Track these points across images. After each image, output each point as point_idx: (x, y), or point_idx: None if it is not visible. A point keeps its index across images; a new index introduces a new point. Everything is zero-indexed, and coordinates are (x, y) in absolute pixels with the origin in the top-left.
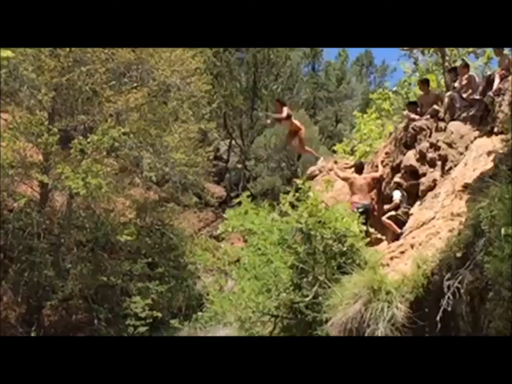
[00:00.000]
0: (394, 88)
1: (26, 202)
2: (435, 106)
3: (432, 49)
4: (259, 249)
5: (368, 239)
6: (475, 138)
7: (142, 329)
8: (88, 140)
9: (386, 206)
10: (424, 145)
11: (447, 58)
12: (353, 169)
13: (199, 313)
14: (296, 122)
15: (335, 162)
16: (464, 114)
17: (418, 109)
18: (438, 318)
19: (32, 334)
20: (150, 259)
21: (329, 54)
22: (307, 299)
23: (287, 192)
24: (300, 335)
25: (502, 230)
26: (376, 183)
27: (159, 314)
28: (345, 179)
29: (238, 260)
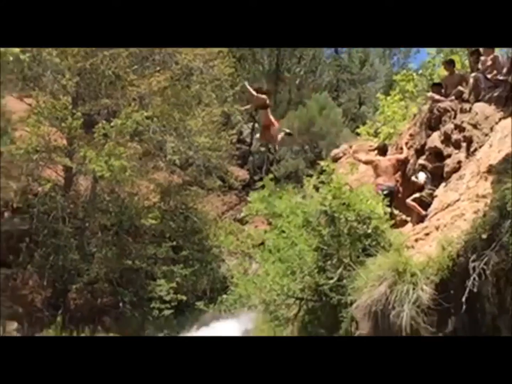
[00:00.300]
0: (419, 71)
1: (51, 186)
2: (459, 87)
3: None
4: (283, 231)
5: (393, 221)
6: (500, 119)
7: (167, 312)
8: (112, 124)
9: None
10: (448, 126)
11: None
12: (376, 151)
13: (224, 296)
14: (271, 116)
15: (350, 147)
16: (489, 95)
17: (443, 91)
18: (463, 299)
19: (58, 318)
20: (174, 243)
21: None
22: (331, 281)
23: (311, 175)
24: (325, 318)
25: None
26: (401, 165)
27: (184, 297)
28: (368, 162)
29: (262, 243)
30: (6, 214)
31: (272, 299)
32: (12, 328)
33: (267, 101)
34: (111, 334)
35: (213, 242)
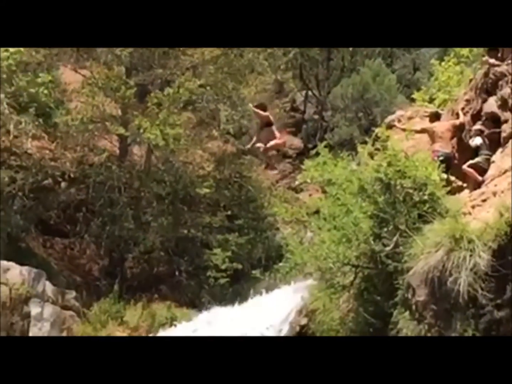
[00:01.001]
0: None
1: (106, 156)
2: None
3: None
4: (338, 199)
5: (449, 187)
6: None
7: (222, 280)
8: (165, 93)
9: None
10: (505, 91)
11: None
12: (428, 119)
13: (279, 264)
14: (276, 132)
15: (399, 121)
16: None
17: (499, 55)
18: None
19: (115, 287)
20: (229, 212)
21: None
22: (387, 248)
23: (365, 142)
24: (381, 285)
25: None
26: (457, 131)
27: (239, 266)
28: (423, 131)
29: (317, 211)
30: (62, 185)
31: (328, 266)
32: (71, 297)
33: (271, 118)
34: (167, 302)
35: (268, 210)
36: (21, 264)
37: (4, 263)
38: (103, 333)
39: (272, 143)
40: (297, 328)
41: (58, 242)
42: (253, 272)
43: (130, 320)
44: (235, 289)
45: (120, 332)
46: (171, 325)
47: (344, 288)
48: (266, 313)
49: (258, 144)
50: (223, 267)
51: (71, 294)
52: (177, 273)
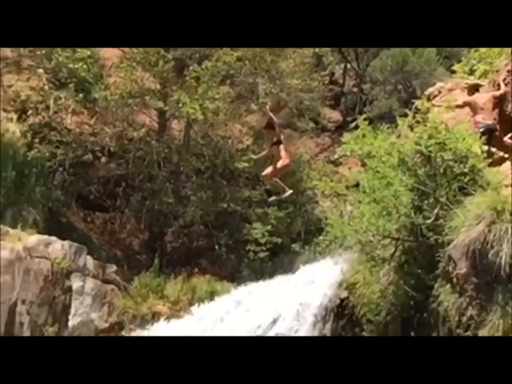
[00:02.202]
0: None
1: (146, 131)
2: None
3: None
4: (378, 172)
5: (491, 159)
6: None
7: (262, 254)
8: (203, 67)
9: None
10: None
11: None
12: (467, 91)
13: (319, 238)
14: (283, 151)
15: (439, 93)
16: None
17: None
18: None
19: (156, 260)
20: (268, 186)
21: None
22: (428, 221)
23: (405, 115)
24: (422, 258)
25: None
26: (498, 102)
27: (279, 240)
28: (464, 104)
29: (356, 184)
30: (102, 160)
31: (368, 239)
32: (112, 271)
33: (282, 136)
34: (207, 276)
35: (307, 184)
36: (62, 238)
37: (46, 237)
38: (144, 307)
39: (268, 170)
40: (337, 301)
41: (99, 216)
42: (293, 245)
43: (170, 293)
44: (275, 263)
45: (160, 305)
46: (211, 299)
47: (384, 261)
48: (306, 287)
49: (264, 173)
50: (262, 241)
51: (112, 268)
52: (216, 247)
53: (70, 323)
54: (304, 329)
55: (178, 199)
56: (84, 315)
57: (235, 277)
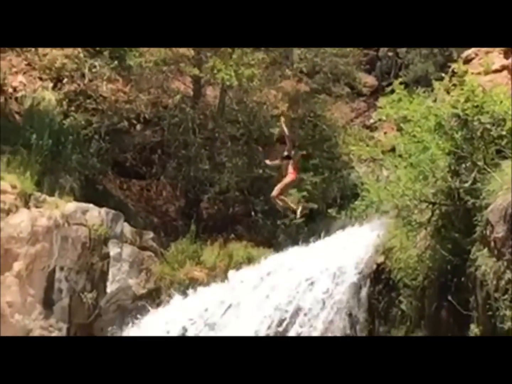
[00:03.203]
0: None
1: (180, 98)
2: None
3: None
4: (414, 136)
5: None
6: None
7: (298, 220)
8: None
9: None
10: None
11: None
12: (503, 54)
13: (355, 203)
14: (290, 167)
15: (476, 55)
16: None
17: None
18: None
19: (192, 227)
20: (303, 151)
21: None
22: (465, 185)
23: (442, 78)
24: (459, 222)
25: None
26: None
27: (315, 205)
28: (503, 68)
29: (392, 149)
30: (138, 127)
31: (405, 204)
32: (148, 238)
33: (292, 152)
34: (244, 242)
35: (343, 149)
36: (99, 205)
37: (83, 204)
38: (181, 273)
39: (276, 190)
40: (374, 267)
41: (135, 184)
42: (329, 211)
43: (207, 260)
44: (311, 228)
45: (197, 272)
46: (248, 264)
47: (421, 225)
48: (342, 252)
49: (272, 194)
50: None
51: (149, 235)
52: (252, 213)
53: (108, 289)
54: (340, 293)
55: (214, 166)
56: (121, 281)
57: (271, 243)
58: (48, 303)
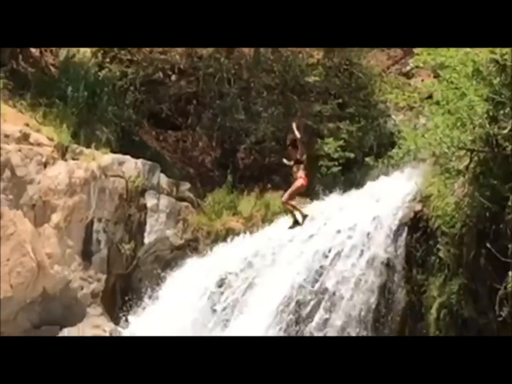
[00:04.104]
0: None
1: (215, 48)
2: None
3: None
4: (452, 82)
5: None
6: None
7: (334, 169)
8: None
9: None
10: None
11: None
12: None
13: (393, 151)
14: (301, 171)
15: None
16: None
17: None
18: None
19: (228, 177)
20: (339, 100)
21: None
22: (504, 131)
23: None
24: (497, 169)
25: None
26: None
27: (352, 155)
28: None
29: (430, 96)
30: (173, 77)
31: (442, 151)
32: (185, 188)
33: (304, 156)
34: (280, 192)
35: (379, 97)
36: (136, 157)
37: (120, 156)
38: (217, 223)
39: (286, 195)
40: (411, 214)
41: (171, 135)
42: (366, 160)
43: (244, 210)
44: (347, 177)
45: (234, 222)
46: (283, 214)
47: (459, 172)
48: (380, 201)
49: (282, 199)
50: (335, 156)
51: (185, 186)
52: None
53: (146, 240)
54: (378, 242)
55: (249, 116)
56: (159, 232)
57: (308, 192)
58: (86, 254)
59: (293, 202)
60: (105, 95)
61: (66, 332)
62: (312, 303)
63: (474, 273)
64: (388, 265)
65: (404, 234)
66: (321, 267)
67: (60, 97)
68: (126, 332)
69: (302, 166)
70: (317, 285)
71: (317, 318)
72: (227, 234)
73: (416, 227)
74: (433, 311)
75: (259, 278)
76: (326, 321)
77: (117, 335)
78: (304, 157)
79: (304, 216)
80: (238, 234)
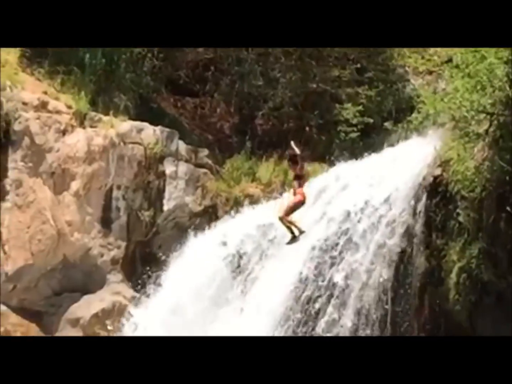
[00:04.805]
0: None
1: None
2: None
3: None
4: None
5: None
6: None
7: (353, 134)
8: None
9: None
10: None
11: None
12: None
13: (412, 115)
14: (299, 188)
15: None
16: None
17: None
18: None
19: (247, 143)
20: (358, 64)
21: None
22: None
23: None
24: None
25: None
26: None
27: (370, 120)
28: None
29: (449, 60)
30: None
31: (462, 115)
32: (203, 155)
33: (303, 171)
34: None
35: (398, 61)
36: (154, 124)
37: (138, 123)
38: (236, 189)
39: (283, 210)
40: (431, 179)
41: (189, 101)
42: (384, 124)
43: (262, 176)
44: (366, 142)
45: (253, 188)
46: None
47: (479, 136)
48: (399, 166)
49: (280, 214)
50: (353, 121)
51: (204, 152)
52: (307, 128)
53: (165, 207)
54: (397, 207)
55: (267, 81)
56: (178, 199)
57: (326, 158)
58: (106, 222)
59: (289, 218)
60: (123, 62)
61: (87, 298)
62: (331, 269)
63: (494, 237)
64: (408, 230)
65: (424, 199)
66: (339, 232)
67: (78, 64)
68: (145, 299)
69: (301, 181)
70: (338, 249)
71: (339, 279)
72: (246, 200)
73: (436, 192)
74: (453, 275)
75: (278, 242)
76: (347, 286)
77: (137, 302)
78: (304, 172)
79: (301, 232)
80: (256, 200)
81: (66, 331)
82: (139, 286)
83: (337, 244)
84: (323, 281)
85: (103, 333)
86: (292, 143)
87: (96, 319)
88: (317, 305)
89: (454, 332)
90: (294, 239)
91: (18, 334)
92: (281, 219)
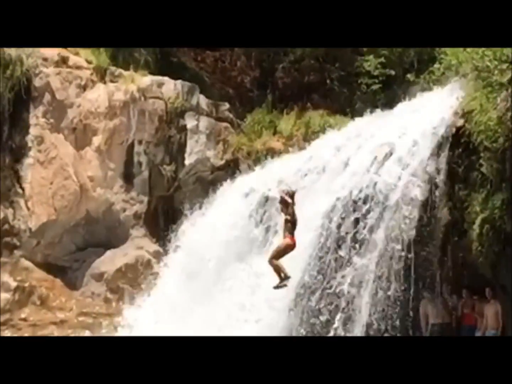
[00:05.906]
0: None
1: None
2: None
3: None
4: None
5: None
6: None
7: (375, 87)
8: None
9: None
10: None
11: None
12: None
13: (434, 66)
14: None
15: None
16: None
17: None
18: None
19: (268, 97)
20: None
21: None
22: None
23: None
24: None
25: None
26: None
27: (392, 72)
28: None
29: None
30: None
31: (484, 65)
32: (224, 109)
33: (294, 217)
34: (320, 111)
35: None
36: (174, 78)
37: (158, 78)
38: (258, 143)
39: (273, 253)
40: (453, 130)
41: (209, 55)
42: (406, 76)
43: (284, 129)
44: (388, 94)
45: (274, 141)
46: (323, 132)
47: (501, 86)
48: (421, 117)
49: (269, 257)
50: (375, 73)
51: (225, 106)
52: (328, 81)
53: (187, 161)
54: (419, 158)
55: None
56: (199, 153)
57: (348, 111)
58: (128, 177)
59: (277, 262)
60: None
61: (110, 253)
62: (358, 222)
63: None
64: (431, 181)
65: (446, 150)
66: (363, 184)
67: None
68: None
69: (289, 225)
70: (362, 195)
71: (365, 231)
72: (268, 153)
73: (458, 143)
74: (476, 226)
75: (300, 194)
76: (371, 239)
77: (160, 256)
78: (295, 218)
79: (287, 278)
80: (278, 153)
81: (90, 285)
82: (162, 241)
83: (361, 189)
84: (347, 233)
85: (127, 288)
86: (283, 191)
87: (120, 274)
88: (342, 253)
89: (477, 283)
90: (281, 282)
91: (43, 289)
92: (269, 262)
